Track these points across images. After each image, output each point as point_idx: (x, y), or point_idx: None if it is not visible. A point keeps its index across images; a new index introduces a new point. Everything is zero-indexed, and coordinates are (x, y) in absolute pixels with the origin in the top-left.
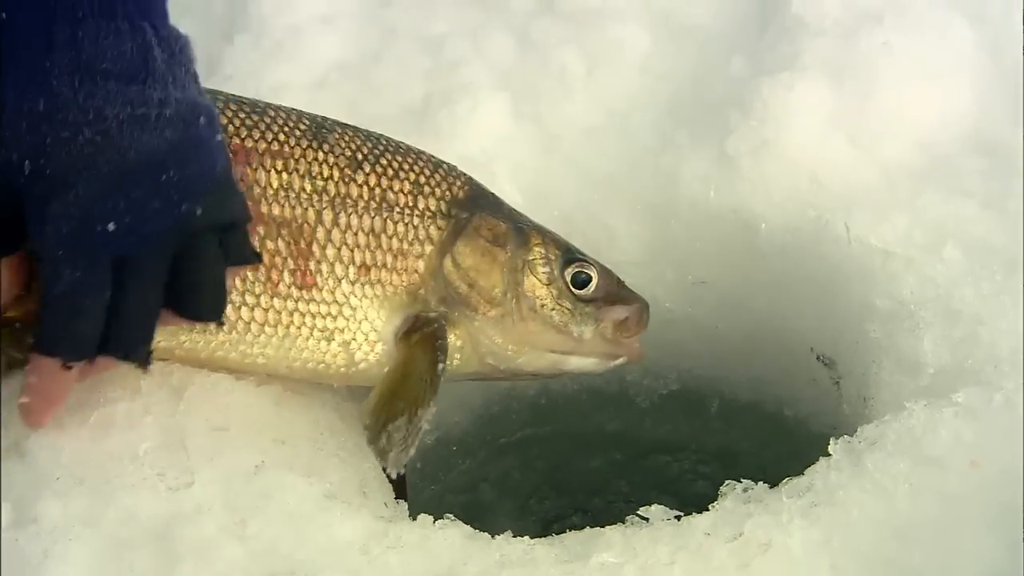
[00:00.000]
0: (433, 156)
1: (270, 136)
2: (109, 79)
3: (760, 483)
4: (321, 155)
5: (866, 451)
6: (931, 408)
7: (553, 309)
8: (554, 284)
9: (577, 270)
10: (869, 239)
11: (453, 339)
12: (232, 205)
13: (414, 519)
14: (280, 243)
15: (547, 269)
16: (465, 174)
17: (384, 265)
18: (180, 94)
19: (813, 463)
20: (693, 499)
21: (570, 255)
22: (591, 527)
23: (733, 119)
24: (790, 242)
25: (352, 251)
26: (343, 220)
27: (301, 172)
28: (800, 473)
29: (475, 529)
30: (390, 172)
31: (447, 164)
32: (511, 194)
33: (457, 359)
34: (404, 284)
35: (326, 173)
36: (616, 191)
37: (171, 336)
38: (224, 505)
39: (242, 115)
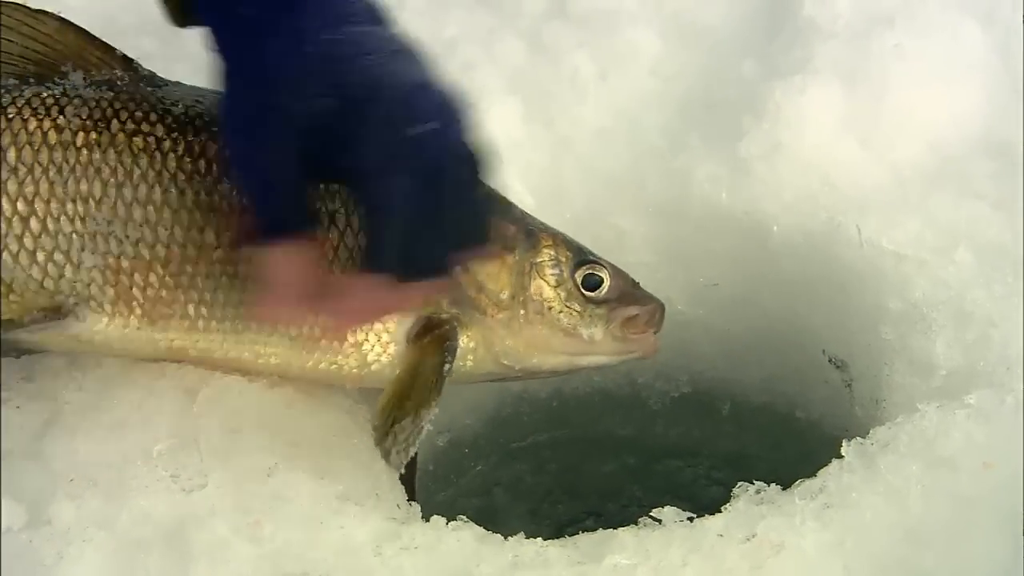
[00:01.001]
0: None
1: None
2: (361, 23)
3: (772, 485)
4: None
5: (878, 453)
6: (943, 410)
7: (561, 312)
8: (563, 286)
9: (588, 272)
10: (881, 241)
11: (465, 340)
12: None
13: (427, 521)
14: None
15: (556, 271)
16: None
17: None
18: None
19: (825, 465)
20: (706, 503)
21: (582, 257)
22: (603, 530)
23: (745, 121)
24: (802, 244)
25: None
26: (356, 222)
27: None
28: (812, 475)
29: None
30: None
31: None
32: (523, 196)
33: (471, 360)
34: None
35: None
36: (627, 193)
37: (185, 335)
38: (237, 506)
39: None
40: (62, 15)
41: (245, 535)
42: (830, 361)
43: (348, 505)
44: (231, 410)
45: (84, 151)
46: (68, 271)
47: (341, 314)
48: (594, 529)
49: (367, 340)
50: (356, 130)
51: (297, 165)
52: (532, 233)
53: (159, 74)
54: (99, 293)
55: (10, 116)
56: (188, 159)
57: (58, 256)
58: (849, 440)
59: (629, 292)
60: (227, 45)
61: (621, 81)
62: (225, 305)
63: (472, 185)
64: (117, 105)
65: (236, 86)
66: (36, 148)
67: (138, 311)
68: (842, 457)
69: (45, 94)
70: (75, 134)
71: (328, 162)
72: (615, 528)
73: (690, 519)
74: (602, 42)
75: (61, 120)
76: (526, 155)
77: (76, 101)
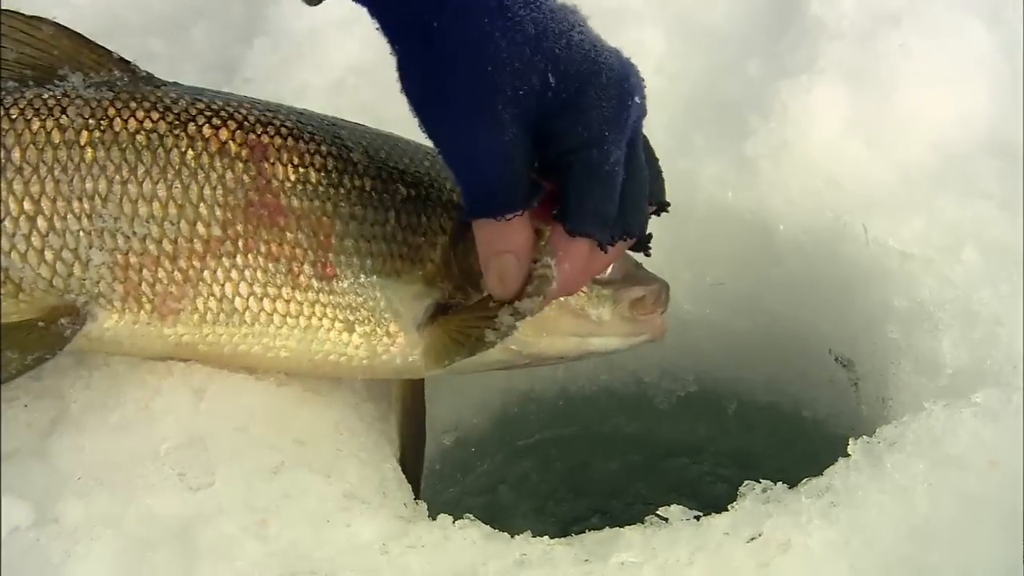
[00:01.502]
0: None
1: (285, 132)
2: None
3: (779, 484)
4: (335, 150)
5: (885, 452)
6: (950, 409)
7: None
8: None
9: None
10: (887, 240)
11: None
12: None
13: (433, 519)
14: (300, 235)
15: None
16: None
17: (401, 256)
18: None
19: (831, 464)
20: (712, 501)
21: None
22: (609, 528)
23: (751, 121)
24: (808, 243)
25: (370, 243)
26: (360, 213)
27: (317, 167)
28: (819, 474)
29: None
30: (402, 166)
31: None
32: None
33: None
34: (421, 273)
35: (341, 167)
36: None
37: (195, 329)
38: (244, 505)
39: (256, 113)
40: (59, 19)
41: (252, 533)
42: (836, 360)
43: (355, 503)
44: (238, 408)
45: (88, 149)
46: (77, 269)
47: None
48: (600, 527)
49: (376, 330)
50: (577, 102)
51: (524, 142)
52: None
53: (164, 74)
54: (108, 290)
55: (13, 117)
56: (191, 153)
57: (66, 254)
58: (856, 439)
59: (632, 273)
60: (431, 31)
61: None
62: (234, 298)
63: (643, 166)
64: (118, 103)
65: (448, 72)
66: (40, 147)
67: (148, 307)
68: (849, 456)
69: (46, 95)
70: (78, 132)
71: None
72: (621, 526)
73: (696, 518)
74: (607, 40)
75: (64, 119)
76: None
77: (78, 101)
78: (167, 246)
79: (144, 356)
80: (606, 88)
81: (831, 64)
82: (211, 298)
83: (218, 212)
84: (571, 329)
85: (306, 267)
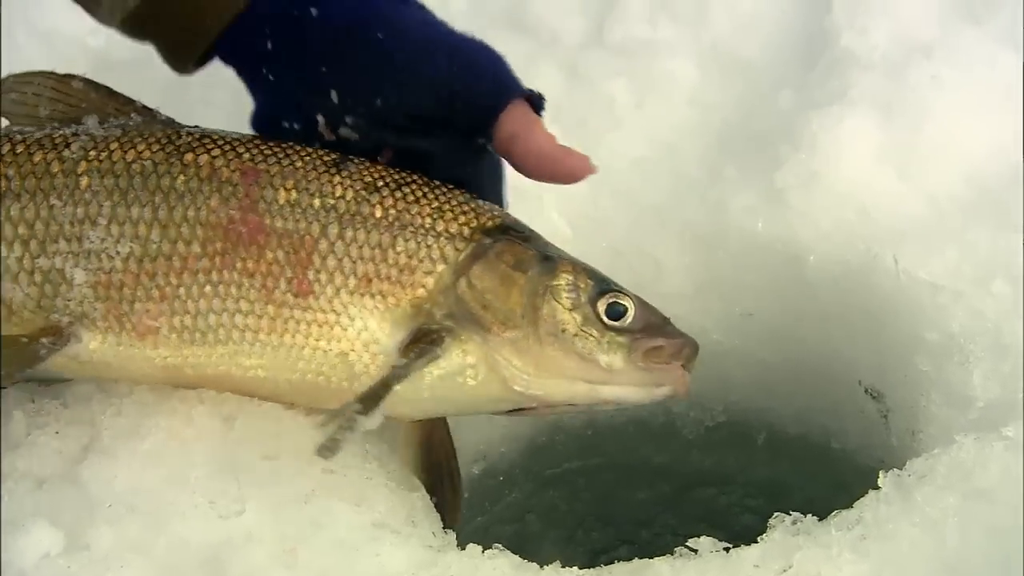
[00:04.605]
0: (473, 196)
1: (287, 162)
2: None
3: (809, 516)
4: (337, 179)
5: (915, 484)
6: (981, 442)
7: (576, 335)
8: (579, 310)
9: (612, 301)
10: (918, 272)
11: (461, 356)
12: None
13: (462, 549)
14: (279, 253)
15: (573, 295)
16: (504, 212)
17: (388, 278)
18: None
19: (861, 496)
20: (740, 532)
21: (605, 286)
22: (638, 559)
23: (782, 151)
24: (839, 274)
25: (355, 263)
26: (348, 234)
27: (311, 191)
28: (849, 506)
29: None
30: (410, 197)
31: (487, 203)
32: (559, 226)
33: (471, 379)
34: (408, 298)
35: (338, 193)
36: (664, 223)
37: (175, 350)
38: (274, 533)
39: (249, 142)
40: (88, 76)
41: (282, 562)
42: (866, 392)
43: (384, 532)
44: (268, 436)
45: (84, 178)
46: (62, 289)
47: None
48: (628, 557)
49: (353, 349)
50: None
51: None
52: (551, 259)
53: (196, 101)
54: (91, 310)
55: (18, 151)
56: (181, 179)
57: (53, 275)
58: (886, 471)
59: (657, 325)
60: None
61: (658, 111)
62: (208, 315)
63: None
64: (123, 139)
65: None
66: (39, 177)
67: (128, 326)
68: (879, 488)
69: (55, 133)
70: (77, 163)
71: None
72: (648, 556)
73: (726, 549)
74: (640, 71)
75: (66, 152)
76: (564, 185)
77: (84, 137)
78: (144, 264)
79: (138, 381)
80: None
81: (862, 95)
82: (186, 315)
83: (198, 231)
84: (578, 374)
85: (282, 283)
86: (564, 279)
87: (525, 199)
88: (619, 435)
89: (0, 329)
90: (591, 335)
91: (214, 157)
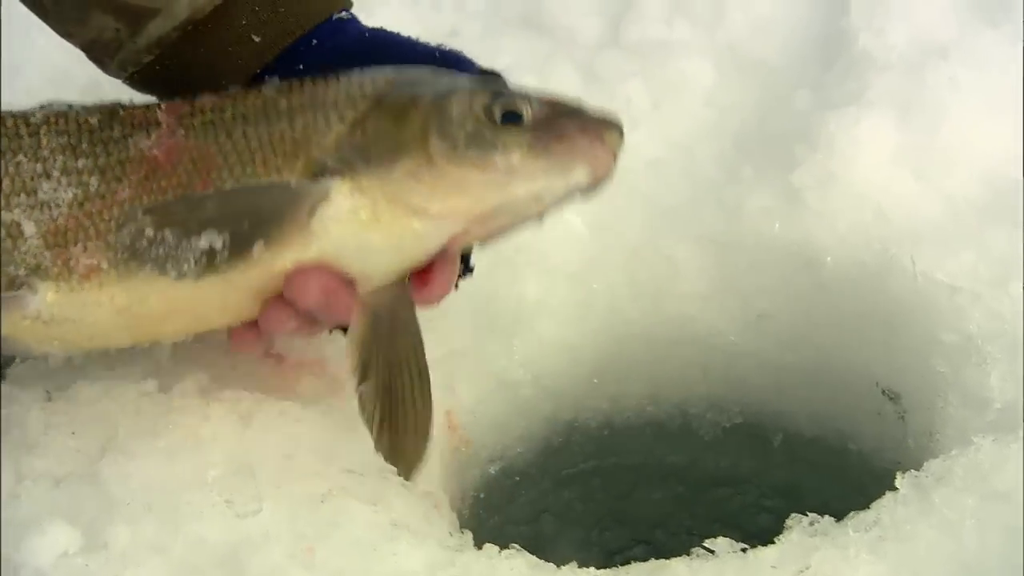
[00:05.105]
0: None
1: (217, 97)
2: None
3: (826, 517)
4: (254, 92)
5: (933, 486)
6: (998, 443)
7: (467, 145)
8: (468, 121)
9: (506, 105)
10: (935, 273)
11: (350, 193)
12: None
13: (479, 549)
14: (189, 164)
15: (463, 108)
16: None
17: (284, 153)
18: None
19: (878, 498)
20: (756, 533)
21: (500, 96)
22: (654, 559)
23: (798, 152)
24: (855, 276)
25: (254, 152)
26: (251, 130)
27: (225, 107)
28: (866, 507)
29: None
30: (323, 86)
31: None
32: (576, 225)
33: (371, 216)
34: (302, 161)
35: (250, 101)
36: (680, 224)
37: (118, 286)
38: (291, 532)
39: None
40: None
41: (299, 561)
42: (883, 393)
43: (402, 532)
44: (285, 436)
45: (43, 137)
46: (19, 243)
47: None
48: (644, 558)
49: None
50: None
51: None
52: (450, 88)
53: None
54: (43, 259)
55: (8, 126)
56: (108, 130)
57: (12, 229)
58: (903, 473)
59: (564, 112)
60: None
61: (675, 111)
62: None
63: None
64: (80, 108)
65: None
66: (9, 138)
67: (74, 268)
68: (896, 490)
69: (25, 110)
70: (39, 127)
71: None
72: (665, 556)
73: (743, 550)
74: (656, 72)
75: (32, 119)
76: None
77: (47, 108)
78: (86, 206)
79: (103, 339)
80: None
81: (879, 96)
82: (118, 247)
83: (127, 168)
84: (478, 182)
85: (191, 189)
86: (457, 98)
87: None
88: (635, 435)
89: None
90: (483, 140)
91: (148, 109)
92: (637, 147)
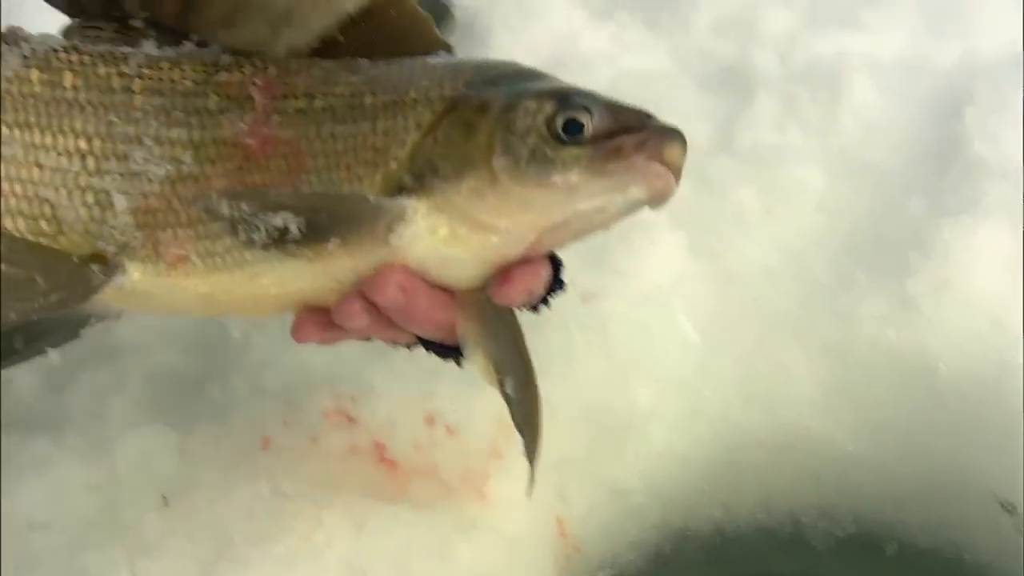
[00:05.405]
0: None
1: (308, 71)
2: None
3: None
4: (343, 75)
5: None
6: None
7: (529, 161)
8: (532, 134)
9: (569, 116)
10: None
11: (423, 209)
12: None
13: None
14: (281, 162)
15: (527, 120)
16: (503, 62)
17: (366, 162)
18: None
19: None
20: None
21: (566, 103)
22: None
23: (913, 259)
24: (971, 385)
25: (339, 155)
26: (339, 129)
27: (315, 94)
28: None
29: None
30: (402, 74)
31: (486, 60)
32: (687, 331)
33: (445, 234)
34: (381, 174)
35: (339, 91)
36: (792, 330)
37: (204, 279)
38: None
39: (297, 63)
40: None
41: None
42: (1001, 505)
43: None
44: (398, 541)
45: (137, 96)
46: (109, 215)
47: None
48: None
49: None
50: None
51: None
52: (517, 94)
53: None
54: (132, 239)
55: (85, 62)
56: (203, 98)
57: (103, 198)
58: None
59: (625, 126)
60: None
61: (787, 217)
62: (224, 237)
63: None
64: (172, 59)
65: None
66: (101, 91)
67: (163, 254)
68: None
69: (116, 50)
70: (132, 79)
71: None
72: None
73: None
74: (767, 177)
75: (124, 68)
76: (691, 290)
77: (140, 55)
78: (177, 187)
79: (179, 312)
80: None
81: (994, 204)
82: (207, 239)
83: (222, 151)
84: (541, 201)
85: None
86: (523, 108)
87: (652, 302)
88: (747, 544)
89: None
90: (545, 156)
91: (244, 75)
92: (749, 253)
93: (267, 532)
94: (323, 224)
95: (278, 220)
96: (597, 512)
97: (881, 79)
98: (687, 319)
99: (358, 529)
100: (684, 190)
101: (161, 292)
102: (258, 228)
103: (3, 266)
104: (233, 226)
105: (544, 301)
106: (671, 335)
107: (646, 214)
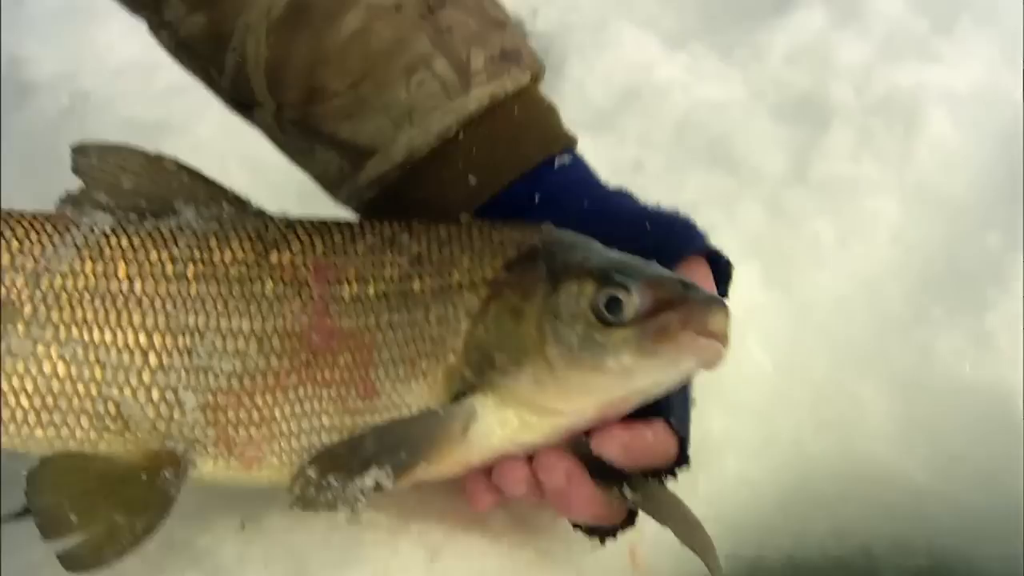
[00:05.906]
0: (506, 225)
1: (351, 249)
2: None
3: None
4: (388, 257)
5: None
6: None
7: (581, 348)
8: (580, 319)
9: (610, 296)
10: None
11: (491, 405)
12: None
13: None
14: (348, 356)
15: (572, 305)
16: (537, 228)
17: (426, 354)
18: None
19: None
20: None
21: (606, 280)
22: None
23: (990, 293)
24: None
25: (401, 348)
26: (395, 318)
27: (367, 279)
28: None
29: None
30: (444, 256)
31: (519, 228)
32: (762, 361)
33: (515, 425)
34: (442, 369)
35: (387, 275)
36: (868, 363)
37: (277, 473)
38: None
39: (336, 236)
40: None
41: None
42: None
43: None
44: (472, 570)
45: (193, 283)
46: (176, 412)
47: None
48: None
49: None
50: None
51: None
52: (555, 274)
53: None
54: (202, 435)
55: (136, 247)
56: (270, 284)
57: (168, 394)
58: None
59: (666, 300)
60: None
61: (862, 249)
62: (300, 436)
63: None
64: (220, 236)
65: None
66: (156, 279)
67: (236, 453)
68: None
69: (163, 227)
70: (185, 265)
71: None
72: None
73: None
74: (843, 209)
75: (175, 251)
76: (765, 321)
77: (187, 232)
78: (246, 382)
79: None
80: None
81: None
82: (282, 438)
83: (285, 343)
84: (598, 386)
85: (352, 389)
86: (566, 292)
87: None
88: (819, 574)
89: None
90: (595, 341)
91: (294, 255)
92: (823, 284)
93: (343, 560)
94: (407, 461)
95: (369, 481)
96: (669, 541)
97: (957, 111)
98: (761, 349)
99: (432, 558)
100: (758, 220)
101: (232, 480)
102: (357, 498)
103: (80, 535)
104: (331, 506)
105: (672, 473)
106: (744, 365)
107: (718, 239)
